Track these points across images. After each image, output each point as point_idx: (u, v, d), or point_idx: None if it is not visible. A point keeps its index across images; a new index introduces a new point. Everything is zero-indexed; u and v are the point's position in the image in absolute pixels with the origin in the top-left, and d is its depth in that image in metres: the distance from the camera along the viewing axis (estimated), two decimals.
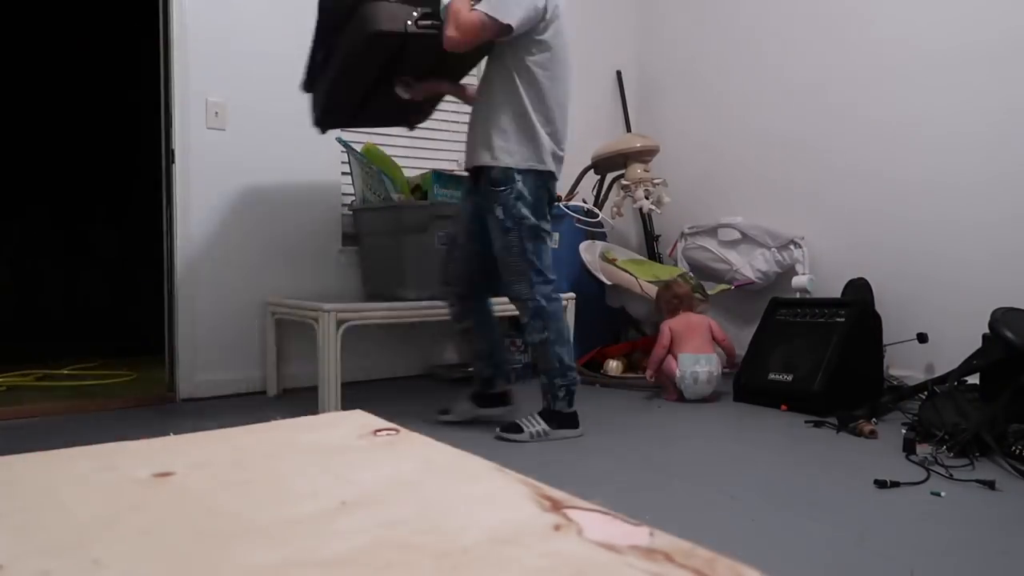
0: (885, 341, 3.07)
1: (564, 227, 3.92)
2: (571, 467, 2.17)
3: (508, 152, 2.35)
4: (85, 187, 4.80)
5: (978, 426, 2.21)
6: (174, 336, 3.15)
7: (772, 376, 3.00)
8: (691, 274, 3.77)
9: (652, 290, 3.50)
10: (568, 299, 3.47)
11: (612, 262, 3.71)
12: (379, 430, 0.70)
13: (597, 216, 3.86)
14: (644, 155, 3.65)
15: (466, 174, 2.62)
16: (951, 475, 2.02)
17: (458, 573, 0.40)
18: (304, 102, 3.46)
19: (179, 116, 3.10)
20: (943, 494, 1.89)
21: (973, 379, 2.59)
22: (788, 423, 2.70)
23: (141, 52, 4.41)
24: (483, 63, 2.56)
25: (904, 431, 2.39)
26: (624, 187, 3.66)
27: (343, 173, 3.53)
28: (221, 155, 3.19)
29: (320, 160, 3.45)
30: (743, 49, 3.97)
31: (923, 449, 2.24)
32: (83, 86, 4.79)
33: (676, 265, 4.04)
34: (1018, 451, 2.11)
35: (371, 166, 3.14)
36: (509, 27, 2.23)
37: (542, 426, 2.47)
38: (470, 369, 3.49)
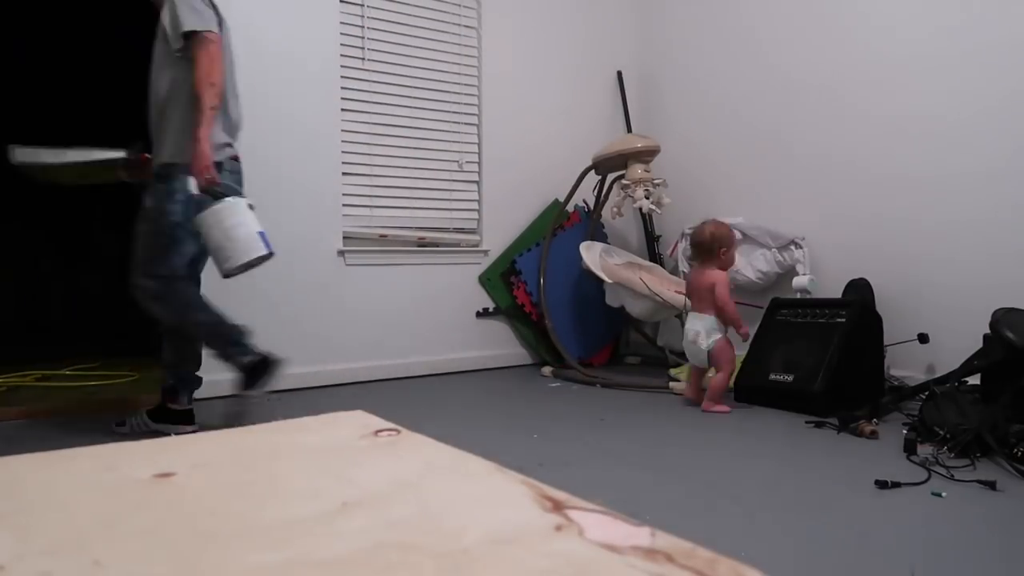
0: (886, 341, 3.07)
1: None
2: (571, 467, 2.16)
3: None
4: (86, 187, 4.80)
5: (979, 427, 2.21)
6: None
7: (773, 376, 3.00)
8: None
9: (655, 289, 3.50)
10: None
11: None
12: (380, 430, 0.70)
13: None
14: (645, 155, 3.65)
15: None
16: (952, 476, 2.02)
17: (459, 573, 0.40)
18: (304, 103, 3.46)
19: None
20: (944, 495, 1.88)
21: (974, 379, 2.59)
22: (789, 423, 2.70)
23: (142, 53, 4.41)
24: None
25: (905, 431, 2.39)
26: (624, 187, 3.66)
27: (343, 174, 3.53)
28: None
29: (320, 160, 3.45)
30: (744, 49, 3.97)
31: (924, 450, 2.24)
32: (83, 86, 4.79)
33: (676, 266, 4.04)
34: (1019, 452, 2.11)
35: None
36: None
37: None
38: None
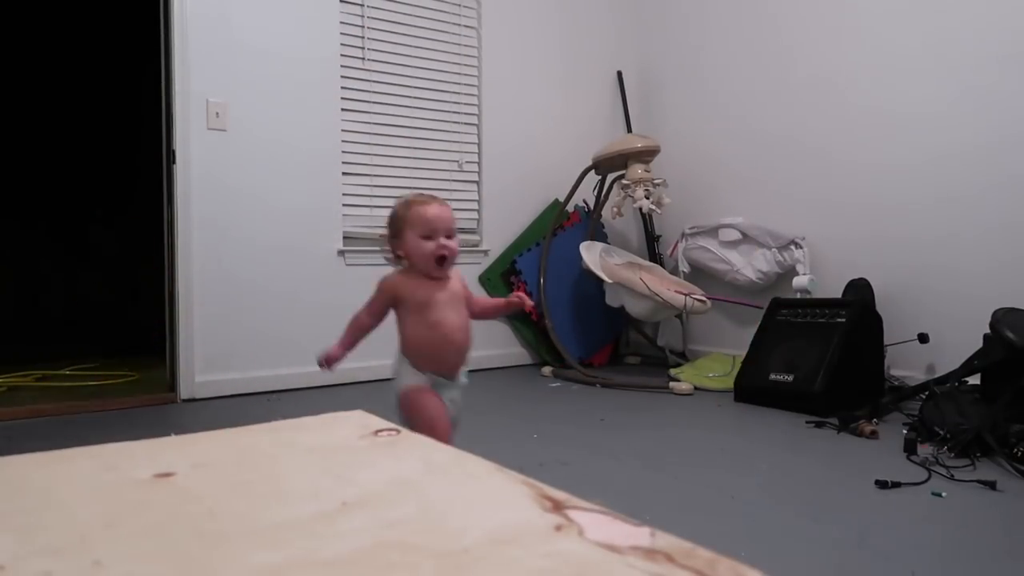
0: (886, 341, 3.07)
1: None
2: (571, 467, 2.16)
3: None
4: (86, 187, 4.80)
5: (979, 426, 2.21)
6: (175, 336, 3.15)
7: (773, 376, 3.00)
8: None
9: (655, 289, 3.50)
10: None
11: None
12: (380, 430, 0.70)
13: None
14: (645, 155, 3.65)
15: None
16: (952, 476, 2.02)
17: (459, 573, 0.40)
18: (304, 103, 3.46)
19: (180, 117, 3.10)
20: (944, 495, 1.89)
21: (974, 379, 2.59)
22: (789, 423, 2.70)
23: (142, 53, 4.41)
24: None
25: (905, 431, 2.39)
26: (624, 187, 3.66)
27: (344, 173, 3.53)
28: (222, 155, 3.19)
29: (321, 160, 3.45)
30: (743, 49, 3.97)
31: (924, 449, 2.24)
32: (84, 86, 4.79)
33: (676, 266, 4.04)
34: (1019, 452, 2.11)
35: None
36: None
37: None
38: None
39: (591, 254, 3.70)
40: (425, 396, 1.75)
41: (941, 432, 2.29)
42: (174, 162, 3.11)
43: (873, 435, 2.46)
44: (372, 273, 3.60)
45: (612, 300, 3.77)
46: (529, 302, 1.86)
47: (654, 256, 4.26)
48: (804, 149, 3.68)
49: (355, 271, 3.56)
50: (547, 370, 3.76)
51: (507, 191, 4.05)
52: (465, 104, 3.93)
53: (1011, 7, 2.92)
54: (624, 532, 0.45)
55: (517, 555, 0.42)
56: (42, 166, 4.68)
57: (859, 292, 3.21)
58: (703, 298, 3.62)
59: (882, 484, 1.94)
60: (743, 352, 3.31)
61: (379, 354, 3.69)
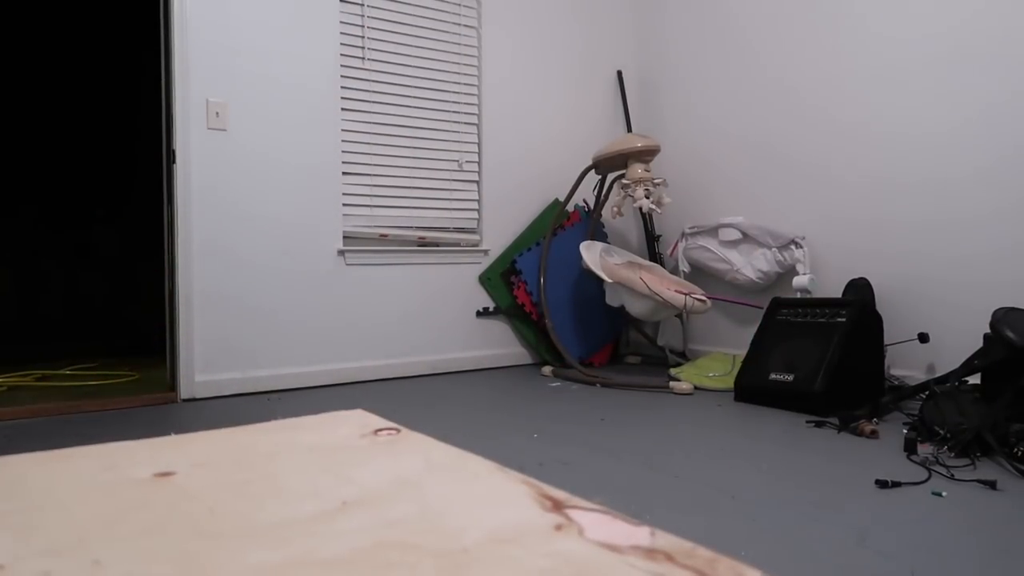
0: (886, 341, 3.07)
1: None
2: (571, 467, 2.16)
3: None
4: (86, 187, 4.80)
5: (979, 426, 2.21)
6: (175, 336, 3.15)
7: (773, 376, 3.00)
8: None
9: (655, 288, 3.50)
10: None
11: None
12: (380, 430, 0.70)
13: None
14: (645, 155, 3.65)
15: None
16: (952, 475, 2.02)
17: (459, 573, 0.40)
18: (305, 103, 3.46)
19: (180, 116, 3.10)
20: (944, 494, 1.89)
21: (974, 379, 2.59)
22: (789, 423, 2.70)
23: (143, 53, 4.42)
24: None
25: (905, 431, 2.39)
26: (624, 187, 3.66)
27: (344, 173, 3.53)
28: (222, 155, 3.19)
29: (321, 160, 3.45)
30: (743, 49, 3.97)
31: (924, 449, 2.24)
32: (84, 86, 4.80)
33: (676, 265, 4.04)
34: (1020, 451, 2.11)
35: None
36: None
37: None
38: None
39: (591, 254, 3.70)
40: None
41: (941, 432, 2.29)
42: (174, 162, 3.11)
43: (873, 435, 2.46)
44: (372, 273, 3.63)
45: (612, 300, 3.78)
46: None
47: (654, 256, 4.26)
48: (805, 149, 3.68)
49: (355, 271, 3.56)
50: (547, 370, 3.76)
51: (507, 191, 4.05)
52: (465, 104, 3.93)
53: (996, 6, 2.92)
54: (624, 531, 0.45)
55: (517, 555, 0.42)
56: (43, 166, 4.68)
57: (859, 292, 3.22)
58: (703, 298, 3.62)
59: (882, 484, 1.94)
60: (743, 352, 3.31)
61: (379, 354, 3.71)
